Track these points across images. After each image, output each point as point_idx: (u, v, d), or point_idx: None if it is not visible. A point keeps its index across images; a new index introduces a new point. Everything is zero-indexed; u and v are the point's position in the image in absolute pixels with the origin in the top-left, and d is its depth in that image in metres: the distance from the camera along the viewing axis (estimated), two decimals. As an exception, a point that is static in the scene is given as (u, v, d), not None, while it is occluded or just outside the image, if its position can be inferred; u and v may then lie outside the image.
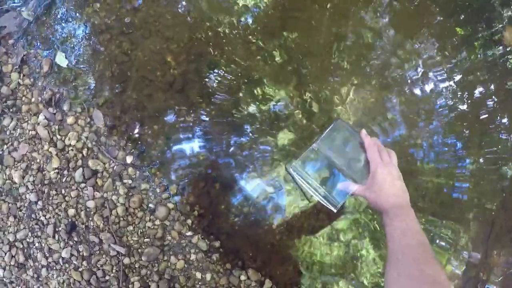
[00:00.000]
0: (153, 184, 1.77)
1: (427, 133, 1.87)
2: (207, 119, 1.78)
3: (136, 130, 1.79)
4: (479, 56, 1.92)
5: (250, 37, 1.84)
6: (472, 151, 1.91)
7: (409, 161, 1.84)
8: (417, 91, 1.87)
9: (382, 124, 1.84)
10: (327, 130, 1.11)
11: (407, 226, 0.87)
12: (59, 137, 1.82)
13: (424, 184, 1.82)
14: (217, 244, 1.77)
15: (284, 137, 1.81)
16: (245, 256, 1.80)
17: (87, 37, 1.90)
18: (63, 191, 1.80)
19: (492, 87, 1.89)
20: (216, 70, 1.81)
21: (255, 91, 1.82)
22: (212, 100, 1.78)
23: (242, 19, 1.87)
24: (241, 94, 1.82)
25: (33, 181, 1.82)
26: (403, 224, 0.88)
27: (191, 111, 1.77)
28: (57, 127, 1.83)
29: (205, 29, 1.83)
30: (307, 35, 1.86)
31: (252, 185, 1.76)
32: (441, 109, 1.89)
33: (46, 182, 1.81)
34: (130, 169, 1.78)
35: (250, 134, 1.80)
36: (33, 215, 1.82)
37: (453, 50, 1.89)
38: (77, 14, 1.93)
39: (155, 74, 1.80)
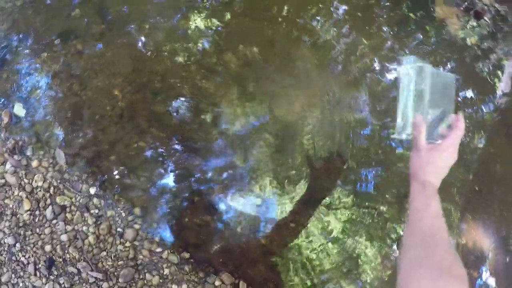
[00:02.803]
0: (118, 209, 1.90)
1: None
2: (157, 142, 1.93)
3: (95, 163, 1.93)
4: (433, 38, 2.04)
5: (192, 59, 2.00)
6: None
7: (388, 151, 1.98)
8: (382, 84, 1.99)
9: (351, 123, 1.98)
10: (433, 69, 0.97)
11: (435, 209, 0.85)
12: (26, 181, 1.96)
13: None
14: (187, 255, 1.89)
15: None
16: (216, 262, 1.91)
17: (40, 85, 2.05)
18: (37, 230, 1.93)
19: (453, 64, 2.01)
20: (161, 96, 1.96)
21: (205, 111, 1.97)
22: (161, 123, 1.93)
23: (191, 44, 2.02)
24: (189, 115, 1.96)
25: (9, 225, 1.95)
26: (432, 203, 0.86)
27: (142, 137, 1.91)
28: (23, 172, 1.97)
29: (145, 59, 1.99)
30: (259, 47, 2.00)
31: (206, 194, 1.89)
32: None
33: (21, 224, 1.94)
34: (95, 199, 1.92)
35: (200, 148, 1.94)
36: (13, 257, 1.95)
37: (409, 36, 2.02)
38: (29, 66, 2.09)
39: (105, 109, 1.95)
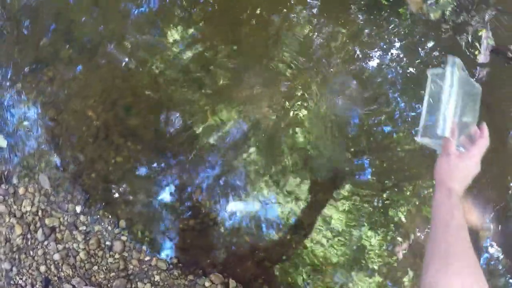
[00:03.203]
0: (104, 224, 1.99)
1: (389, 105, 2.05)
2: (134, 156, 2.01)
3: (78, 182, 2.02)
4: (408, 20, 2.08)
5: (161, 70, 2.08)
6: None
7: (379, 138, 2.03)
8: (365, 72, 2.04)
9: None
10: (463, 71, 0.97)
11: (461, 220, 0.85)
12: (16, 207, 2.05)
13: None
14: (175, 260, 1.96)
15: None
16: (204, 264, 1.99)
17: (19, 115, 2.15)
18: (31, 253, 2.02)
19: (431, 44, 2.06)
20: (133, 110, 2.05)
21: (180, 122, 2.05)
22: (135, 137, 2.01)
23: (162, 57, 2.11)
24: (164, 126, 2.04)
25: (4, 251, 2.05)
26: (457, 213, 0.86)
27: (119, 153, 1.99)
28: (12, 199, 2.07)
29: (114, 77, 2.08)
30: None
31: (184, 197, 1.97)
32: (392, 78, 2.06)
33: (15, 249, 2.03)
34: (81, 217, 2.00)
35: (180, 157, 2.02)
36: (11, 282, 2.04)
37: (385, 21, 2.07)
38: (5, 97, 2.18)
39: (81, 130, 2.04)
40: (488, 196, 1.97)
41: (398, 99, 2.07)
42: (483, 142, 0.94)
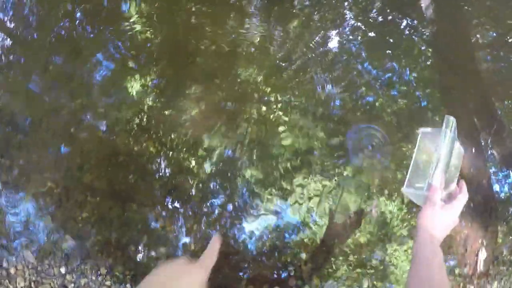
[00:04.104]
0: (88, 275, 2.17)
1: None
2: (97, 208, 2.21)
3: (57, 247, 2.23)
4: None
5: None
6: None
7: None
8: (330, 54, 2.23)
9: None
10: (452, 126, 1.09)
11: (441, 261, 0.93)
12: (11, 286, 2.26)
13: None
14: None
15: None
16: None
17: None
18: (36, 322, 2.20)
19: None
20: (86, 166, 2.27)
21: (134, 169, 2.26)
22: (94, 192, 2.22)
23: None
24: (118, 173, 2.25)
25: (13, 329, 2.24)
26: (438, 254, 0.94)
27: (83, 208, 2.20)
28: (7, 280, 2.28)
29: (65, 143, 2.31)
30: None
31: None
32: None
33: (21, 324, 2.22)
34: (67, 276, 2.19)
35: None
36: None
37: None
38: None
39: (46, 200, 2.26)
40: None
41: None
42: (464, 196, 1.04)
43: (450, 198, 1.06)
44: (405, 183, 1.07)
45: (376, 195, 2.10)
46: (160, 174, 2.28)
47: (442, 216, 1.00)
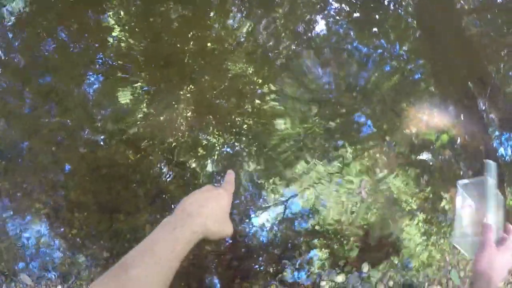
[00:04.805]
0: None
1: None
2: (85, 225, 2.14)
3: (54, 267, 2.17)
4: None
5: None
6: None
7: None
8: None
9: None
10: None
11: None
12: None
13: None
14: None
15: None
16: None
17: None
18: None
19: None
20: (70, 183, 2.20)
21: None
22: (81, 207, 2.16)
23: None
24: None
25: None
26: None
27: (71, 226, 2.17)
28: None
29: (43, 164, 2.24)
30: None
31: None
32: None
33: None
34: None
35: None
36: None
37: None
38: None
39: (36, 222, 2.21)
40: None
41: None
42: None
43: (500, 241, 1.05)
44: (454, 235, 1.11)
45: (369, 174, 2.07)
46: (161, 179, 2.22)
47: (499, 257, 1.00)
